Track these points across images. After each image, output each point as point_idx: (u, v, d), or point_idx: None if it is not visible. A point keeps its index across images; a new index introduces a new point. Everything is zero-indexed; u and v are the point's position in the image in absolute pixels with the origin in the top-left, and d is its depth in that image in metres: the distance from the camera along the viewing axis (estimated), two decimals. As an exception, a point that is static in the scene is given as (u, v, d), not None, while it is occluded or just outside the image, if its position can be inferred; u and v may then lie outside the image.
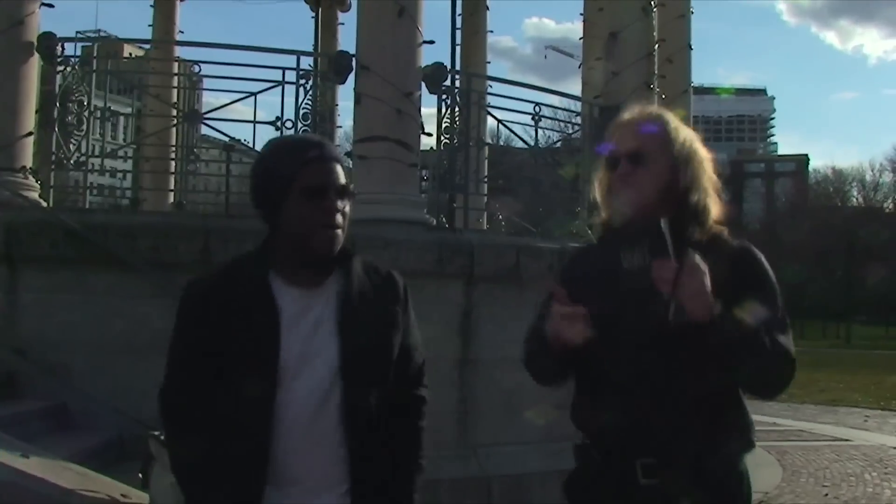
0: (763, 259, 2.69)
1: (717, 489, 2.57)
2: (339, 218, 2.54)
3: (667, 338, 2.46)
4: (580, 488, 2.82)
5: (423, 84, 8.05)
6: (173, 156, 10.60)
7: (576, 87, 13.27)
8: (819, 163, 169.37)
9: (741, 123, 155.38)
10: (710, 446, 2.56)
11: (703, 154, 2.75)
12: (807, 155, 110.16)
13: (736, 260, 2.61)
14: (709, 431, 2.55)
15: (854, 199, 79.55)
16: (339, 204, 2.53)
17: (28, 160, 7.67)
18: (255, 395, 2.49)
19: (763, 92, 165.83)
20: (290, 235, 2.57)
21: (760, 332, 2.46)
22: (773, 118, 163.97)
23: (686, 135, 2.74)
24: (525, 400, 7.64)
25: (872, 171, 79.67)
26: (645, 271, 2.47)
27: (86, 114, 8.27)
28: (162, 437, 5.07)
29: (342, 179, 2.56)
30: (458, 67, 12.38)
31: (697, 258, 2.43)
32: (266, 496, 2.53)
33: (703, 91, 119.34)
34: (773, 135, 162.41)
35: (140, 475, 5.26)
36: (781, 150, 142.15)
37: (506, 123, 9.30)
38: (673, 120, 2.77)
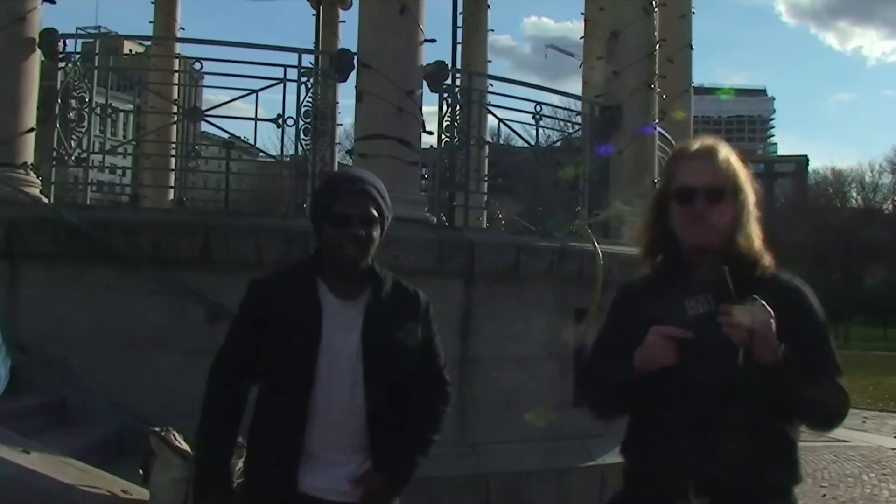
0: (813, 298, 2.74)
1: None
2: (360, 243, 3.11)
3: (733, 386, 2.53)
4: None
5: (425, 82, 8.05)
6: (174, 153, 10.60)
7: (575, 87, 13.30)
8: (818, 163, 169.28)
9: (741, 124, 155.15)
10: (758, 479, 2.60)
11: (755, 197, 2.78)
12: (806, 156, 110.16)
13: (789, 300, 2.66)
14: (758, 468, 2.60)
15: (853, 201, 79.50)
16: (363, 232, 3.11)
17: (29, 156, 7.67)
18: (301, 381, 3.07)
19: (763, 92, 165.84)
20: (326, 251, 3.18)
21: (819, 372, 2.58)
22: (772, 119, 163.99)
23: (747, 175, 2.78)
24: (524, 398, 7.69)
25: (872, 172, 79.46)
26: (711, 318, 2.51)
27: (87, 110, 8.27)
28: (162, 434, 5.12)
29: (370, 211, 3.12)
30: (458, 66, 12.39)
31: (762, 302, 2.47)
32: (307, 466, 3.12)
33: (703, 91, 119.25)
34: (772, 135, 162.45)
35: (140, 471, 5.28)
36: (780, 151, 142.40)
37: (506, 122, 9.32)
38: (737, 157, 2.79)
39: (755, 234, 2.73)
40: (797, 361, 2.50)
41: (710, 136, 2.87)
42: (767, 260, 2.73)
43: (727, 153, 2.76)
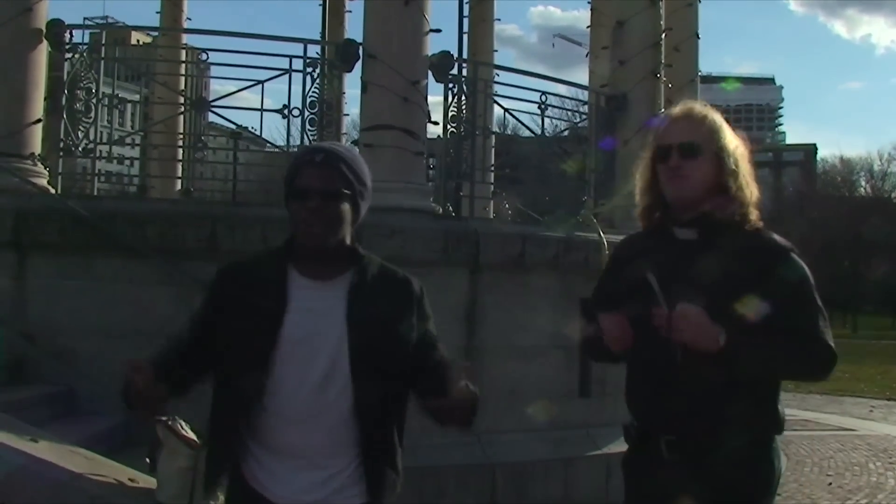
0: (793, 254, 2.92)
1: (735, 468, 2.80)
2: (321, 218, 2.82)
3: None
4: (626, 463, 3.06)
5: (430, 72, 8.06)
6: (181, 143, 10.63)
7: (582, 76, 13.30)
8: (826, 152, 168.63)
9: (749, 112, 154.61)
10: (726, 427, 2.78)
11: (743, 149, 2.95)
12: (815, 144, 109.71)
13: (768, 255, 2.86)
14: (724, 415, 2.77)
15: (862, 189, 79.28)
16: (324, 205, 2.82)
17: (37, 147, 7.68)
18: (253, 369, 2.79)
19: (771, 81, 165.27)
20: (292, 229, 2.93)
21: (776, 340, 2.74)
22: (781, 107, 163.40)
23: (730, 133, 2.95)
24: (529, 388, 7.70)
25: (881, 160, 79.28)
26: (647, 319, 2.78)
27: (94, 101, 8.28)
28: (168, 423, 5.14)
29: (333, 183, 2.84)
30: (465, 56, 12.37)
31: (686, 305, 2.68)
32: (264, 463, 2.84)
33: (710, 80, 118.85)
34: (781, 124, 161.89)
35: (147, 460, 5.30)
36: (789, 140, 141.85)
37: (512, 112, 9.32)
38: (718, 117, 2.96)
39: (740, 189, 2.88)
40: (744, 342, 2.68)
41: (693, 101, 3.10)
42: (753, 214, 2.90)
43: (704, 113, 2.94)
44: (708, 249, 2.81)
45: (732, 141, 2.91)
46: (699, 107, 2.99)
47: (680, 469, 2.78)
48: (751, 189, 2.89)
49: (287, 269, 2.91)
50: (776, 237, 2.92)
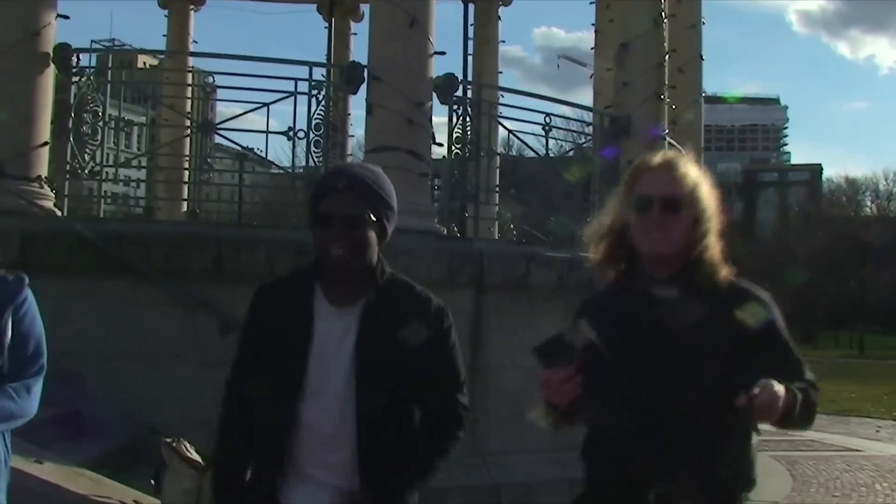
0: (772, 304, 2.80)
1: None
2: (345, 245, 2.81)
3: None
4: None
5: (435, 94, 8.10)
6: (187, 165, 10.67)
7: (586, 97, 13.33)
8: (831, 172, 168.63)
9: (754, 133, 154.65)
10: (712, 476, 2.67)
11: (716, 203, 2.83)
12: (820, 164, 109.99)
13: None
14: (717, 469, 2.67)
15: (868, 209, 79.24)
16: (347, 233, 2.81)
17: (43, 169, 7.73)
18: (283, 391, 2.85)
19: (776, 101, 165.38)
20: (316, 254, 2.94)
21: (808, 394, 2.64)
22: (786, 127, 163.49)
23: (708, 187, 2.83)
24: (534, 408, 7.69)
25: (886, 180, 79.33)
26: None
27: (100, 123, 8.35)
28: (173, 444, 5.15)
29: (356, 209, 2.83)
30: (469, 77, 12.43)
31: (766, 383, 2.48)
32: (282, 489, 2.90)
33: (715, 100, 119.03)
34: (786, 144, 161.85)
35: (152, 481, 5.32)
36: (794, 160, 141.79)
37: (516, 133, 9.35)
38: (697, 170, 2.85)
39: (714, 246, 2.77)
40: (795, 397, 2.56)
41: (672, 150, 2.99)
42: (725, 270, 2.78)
43: (687, 166, 2.81)
44: (691, 306, 2.70)
45: (709, 196, 2.81)
46: (682, 159, 2.86)
47: None
48: (718, 248, 2.78)
49: (314, 295, 2.92)
50: (752, 289, 2.82)
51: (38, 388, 3.14)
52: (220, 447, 3.07)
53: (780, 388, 2.49)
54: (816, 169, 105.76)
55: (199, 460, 4.95)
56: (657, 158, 2.84)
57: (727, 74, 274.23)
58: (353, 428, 2.84)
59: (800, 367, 2.73)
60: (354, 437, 2.84)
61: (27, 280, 3.16)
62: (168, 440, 5.23)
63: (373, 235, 2.87)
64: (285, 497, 2.89)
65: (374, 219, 2.87)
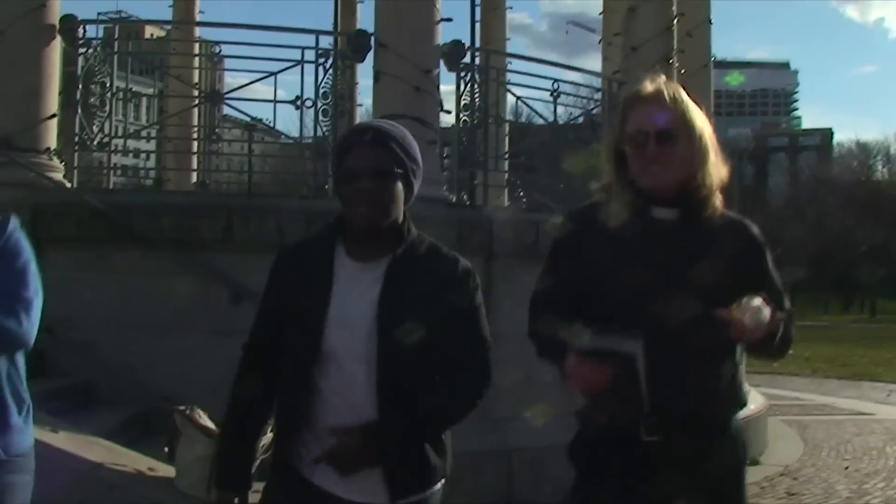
0: (759, 233, 2.87)
1: (713, 450, 2.73)
2: (371, 200, 2.73)
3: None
4: (583, 451, 2.90)
5: (442, 62, 8.07)
6: (195, 136, 10.68)
7: (595, 63, 13.27)
8: (842, 136, 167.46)
9: (765, 97, 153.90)
10: (705, 405, 2.71)
11: (710, 128, 2.83)
12: (831, 129, 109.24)
13: (738, 236, 2.82)
14: (704, 392, 2.70)
15: (879, 173, 78.93)
16: (374, 186, 2.73)
17: (52, 142, 7.75)
18: (304, 354, 2.77)
19: (786, 66, 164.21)
20: (343, 210, 2.84)
21: (787, 322, 2.70)
22: (796, 92, 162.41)
23: (698, 112, 2.82)
24: (544, 374, 7.70)
25: (897, 144, 79.02)
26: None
27: (108, 95, 8.35)
28: (186, 412, 5.19)
29: (383, 162, 2.74)
30: (476, 44, 12.37)
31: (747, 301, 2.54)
32: (306, 443, 2.79)
33: (725, 65, 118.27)
34: (796, 108, 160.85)
35: (166, 449, 5.37)
36: (804, 124, 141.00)
37: (525, 100, 9.32)
38: (685, 96, 2.83)
39: (711, 173, 2.78)
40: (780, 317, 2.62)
41: (660, 76, 2.88)
42: (717, 200, 2.79)
43: (675, 93, 2.80)
44: (691, 229, 2.74)
45: (701, 121, 2.80)
46: (670, 86, 2.82)
47: (657, 454, 2.67)
48: (718, 172, 2.79)
49: (335, 251, 2.84)
50: (744, 220, 2.88)
51: (36, 314, 3.19)
52: (228, 434, 3.00)
53: (762, 305, 2.54)
54: (827, 133, 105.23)
55: (212, 427, 5.00)
56: (646, 89, 2.81)
57: (735, 39, 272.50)
58: (374, 392, 2.73)
59: (781, 298, 2.77)
60: (375, 402, 2.73)
61: (13, 217, 3.17)
62: (181, 408, 5.28)
63: (400, 190, 2.79)
64: (305, 463, 2.78)
65: (401, 172, 2.78)
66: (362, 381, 2.74)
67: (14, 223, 3.15)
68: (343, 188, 2.79)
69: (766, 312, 2.54)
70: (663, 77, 2.88)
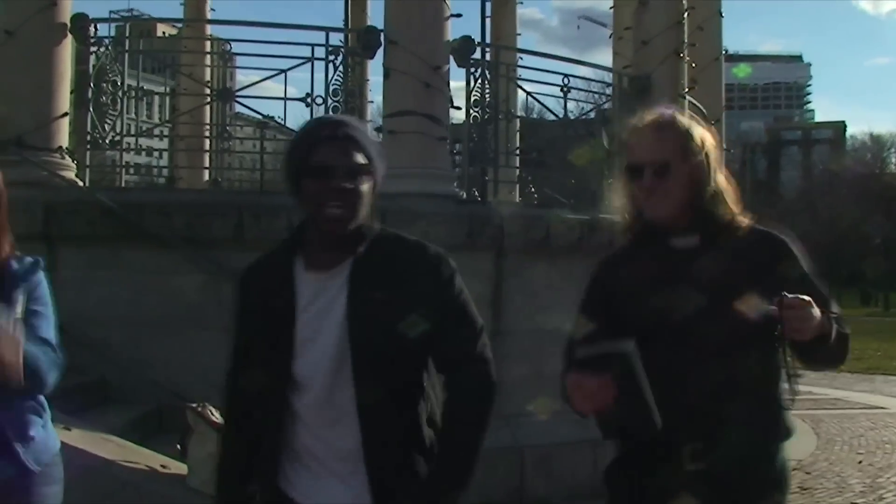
0: (794, 243, 2.77)
1: (757, 474, 2.70)
2: (345, 198, 2.55)
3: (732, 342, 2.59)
4: (621, 476, 2.83)
5: (452, 58, 8.07)
6: (207, 134, 10.71)
7: (606, 59, 13.24)
8: (855, 129, 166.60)
9: (777, 91, 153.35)
10: (751, 432, 2.65)
11: (715, 150, 2.77)
12: (844, 122, 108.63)
13: (772, 251, 2.73)
14: (750, 419, 2.64)
15: (893, 166, 78.58)
16: (348, 184, 2.55)
17: (64, 140, 7.77)
18: (273, 377, 2.63)
19: (799, 59, 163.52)
20: (306, 210, 2.64)
21: (841, 324, 2.62)
22: (809, 85, 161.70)
23: (700, 134, 2.75)
24: (555, 370, 7.70)
25: (910, 137, 78.64)
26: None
27: (120, 93, 8.38)
28: (198, 409, 5.21)
29: (355, 159, 2.57)
30: (487, 40, 12.36)
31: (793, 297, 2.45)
32: (285, 472, 2.68)
33: (737, 58, 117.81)
34: (809, 101, 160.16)
35: (178, 446, 5.40)
36: (817, 117, 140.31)
37: (535, 96, 9.32)
38: (686, 120, 2.79)
39: (722, 189, 2.74)
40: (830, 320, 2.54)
41: (662, 107, 2.83)
42: (739, 218, 2.74)
43: (674, 120, 2.75)
44: (712, 253, 2.67)
45: (703, 142, 2.73)
46: (668, 114, 2.77)
47: (700, 481, 2.62)
48: (728, 190, 2.74)
49: (294, 265, 2.66)
50: (773, 232, 2.78)
51: (56, 369, 3.15)
52: (223, 440, 2.94)
53: (811, 302, 2.44)
54: (840, 126, 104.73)
55: (224, 424, 5.02)
56: (643, 120, 2.78)
57: (747, 32, 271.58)
58: (354, 408, 2.57)
59: (828, 302, 2.64)
60: (356, 419, 2.57)
61: (42, 263, 3.18)
62: (193, 405, 5.31)
63: (370, 190, 2.62)
64: (292, 488, 2.67)
65: (372, 170, 2.62)
66: (340, 399, 2.59)
67: (42, 268, 3.17)
68: (312, 186, 2.57)
69: (815, 309, 2.45)
70: (667, 108, 2.83)
